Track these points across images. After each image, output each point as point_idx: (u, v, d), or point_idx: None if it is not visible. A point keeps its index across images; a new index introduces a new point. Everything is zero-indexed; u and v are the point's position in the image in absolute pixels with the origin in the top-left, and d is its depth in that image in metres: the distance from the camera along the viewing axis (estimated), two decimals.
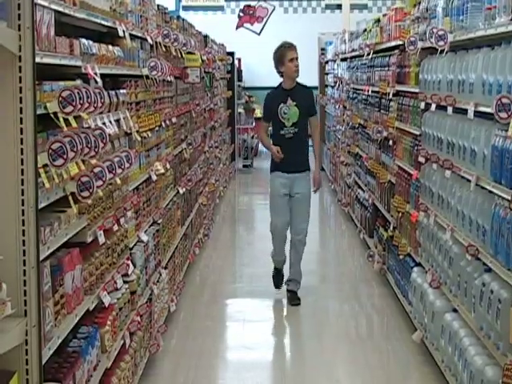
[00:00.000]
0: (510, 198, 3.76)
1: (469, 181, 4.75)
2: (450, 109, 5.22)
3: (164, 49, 6.82)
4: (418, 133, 6.34)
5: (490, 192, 4.38)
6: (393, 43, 7.62)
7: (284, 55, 7.31)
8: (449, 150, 5.29)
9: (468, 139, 4.84)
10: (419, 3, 6.46)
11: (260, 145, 19.69)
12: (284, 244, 7.47)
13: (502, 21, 4.10)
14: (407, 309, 6.56)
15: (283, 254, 7.54)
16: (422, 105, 6.09)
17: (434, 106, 5.66)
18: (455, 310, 5.16)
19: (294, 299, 7.24)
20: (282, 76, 7.43)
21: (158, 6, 6.99)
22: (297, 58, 7.35)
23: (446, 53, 5.42)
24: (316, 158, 7.61)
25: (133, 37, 5.49)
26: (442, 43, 5.38)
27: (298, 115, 7.23)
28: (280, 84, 7.50)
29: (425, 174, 6.02)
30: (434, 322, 5.50)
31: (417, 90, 6.37)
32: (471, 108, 4.69)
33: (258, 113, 19.34)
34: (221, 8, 20.86)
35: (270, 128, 7.68)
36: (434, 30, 5.44)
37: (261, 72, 22.35)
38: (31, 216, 2.96)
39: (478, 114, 4.66)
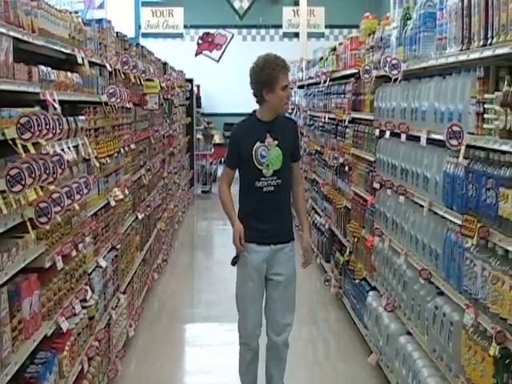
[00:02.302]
0: (461, 222, 3.83)
1: (422, 206, 4.82)
2: (403, 136, 5.29)
3: (123, 76, 6.83)
4: (372, 159, 6.41)
5: (442, 217, 4.46)
6: (348, 71, 7.72)
7: (276, 78, 4.90)
8: (402, 176, 5.36)
9: (421, 166, 4.91)
10: (374, 33, 6.56)
11: (219, 171, 19.76)
12: (257, 357, 5.25)
13: (452, 51, 4.19)
14: (363, 332, 6.60)
15: (255, 372, 5.28)
16: (377, 132, 6.17)
17: (388, 133, 5.73)
18: (409, 333, 5.22)
19: None
20: (259, 102, 5.05)
21: (117, 33, 6.99)
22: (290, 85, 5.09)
23: (400, 81, 5.50)
24: (302, 218, 5.31)
25: (92, 64, 5.49)
26: (395, 72, 5.47)
27: (282, 159, 4.98)
28: (254, 113, 5.14)
29: (379, 200, 6.09)
30: (389, 345, 5.54)
31: (372, 117, 6.45)
32: (424, 135, 4.77)
33: (217, 139, 19.40)
34: (180, 35, 20.90)
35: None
36: (388, 59, 5.52)
37: (220, 98, 22.53)
38: None
39: (430, 141, 4.74)
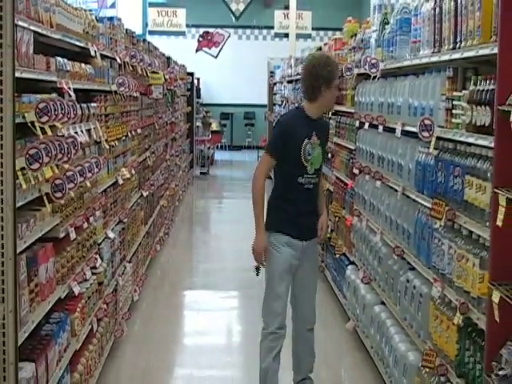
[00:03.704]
0: (430, 206, 3.83)
1: (396, 190, 4.82)
2: (380, 127, 5.29)
3: (131, 68, 6.79)
4: (353, 148, 6.40)
5: (414, 201, 4.46)
6: None
7: (334, 76, 4.47)
8: (379, 163, 5.36)
9: (396, 154, 4.91)
10: (355, 35, 6.54)
11: (217, 155, 19.72)
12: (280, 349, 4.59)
13: (425, 53, 4.18)
14: (342, 301, 6.62)
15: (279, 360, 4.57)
16: (357, 123, 6.15)
17: (367, 125, 5.72)
18: (383, 303, 5.23)
19: None
20: (313, 98, 4.49)
21: (127, 29, 6.96)
22: None
23: (378, 79, 5.49)
24: (322, 208, 4.74)
25: (103, 56, 5.46)
26: (374, 70, 5.45)
27: (321, 159, 4.54)
28: (301, 107, 4.61)
29: (358, 184, 6.08)
30: (365, 313, 5.56)
31: (352, 110, 6.43)
32: (399, 127, 4.76)
33: (214, 126, 19.34)
34: (182, 33, 20.83)
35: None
36: (368, 59, 5.51)
37: (217, 90, 22.47)
38: (9, 213, 2.94)
39: (404, 132, 4.73)
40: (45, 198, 3.50)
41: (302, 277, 4.59)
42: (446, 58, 3.77)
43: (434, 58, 3.97)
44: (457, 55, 3.59)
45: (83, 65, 4.74)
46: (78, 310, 4.23)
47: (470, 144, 3.48)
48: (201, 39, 22.16)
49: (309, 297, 4.66)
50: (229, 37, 22.14)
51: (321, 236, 4.68)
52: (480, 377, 3.21)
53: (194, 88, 17.66)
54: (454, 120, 3.70)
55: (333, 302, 6.98)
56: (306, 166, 4.41)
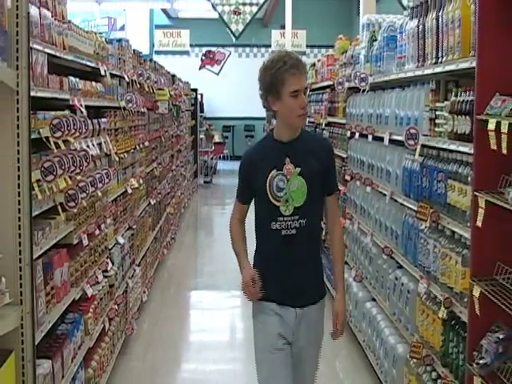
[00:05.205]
0: (416, 208, 3.84)
1: (385, 195, 4.83)
2: (370, 137, 5.30)
3: (138, 85, 6.82)
4: (345, 156, 6.42)
5: (402, 204, 4.47)
6: (325, 83, 7.71)
7: (282, 80, 3.05)
8: (369, 170, 5.37)
9: (384, 162, 4.92)
10: (346, 52, 6.56)
11: (219, 165, 19.73)
12: None
13: (410, 67, 4.19)
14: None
15: None
16: (348, 133, 6.17)
17: (357, 135, 5.74)
18: (374, 299, 5.23)
19: None
20: (274, 116, 3.23)
21: (134, 50, 6.98)
22: (305, 90, 3.14)
23: (367, 92, 5.51)
24: (338, 271, 3.39)
25: (112, 75, 5.48)
26: (363, 84, 5.47)
27: (306, 193, 3.12)
28: (271, 132, 3.25)
29: (350, 189, 6.09)
30: (357, 309, 5.57)
31: (344, 121, 6.44)
32: (386, 136, 4.77)
33: (217, 138, 19.36)
34: (186, 52, 20.87)
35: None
36: (358, 73, 5.52)
37: (219, 105, 22.51)
38: (26, 222, 2.95)
39: (392, 141, 4.74)
40: (59, 207, 3.52)
41: (299, 352, 3.24)
42: (429, 71, 3.79)
43: (418, 72, 3.99)
44: (439, 69, 3.60)
45: (94, 83, 4.76)
46: (91, 310, 4.24)
47: (451, 151, 3.50)
48: (203, 58, 22.17)
49: (303, 377, 3.29)
50: (229, 55, 22.16)
51: (336, 330, 3.27)
52: (463, 365, 3.22)
53: (198, 103, 17.70)
54: (437, 129, 3.71)
55: (327, 300, 6.92)
56: (277, 206, 3.11)
